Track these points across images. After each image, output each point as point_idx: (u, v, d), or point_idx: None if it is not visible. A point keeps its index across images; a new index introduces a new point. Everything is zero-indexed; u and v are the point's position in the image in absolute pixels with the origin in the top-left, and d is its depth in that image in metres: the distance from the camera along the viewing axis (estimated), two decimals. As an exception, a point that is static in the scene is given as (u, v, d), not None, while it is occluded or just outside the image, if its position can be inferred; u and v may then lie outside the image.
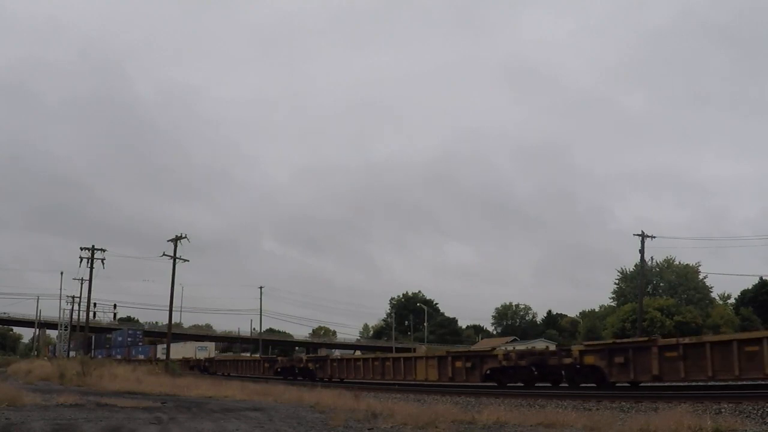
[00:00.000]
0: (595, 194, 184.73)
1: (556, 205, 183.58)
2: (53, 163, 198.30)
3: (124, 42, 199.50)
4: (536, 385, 22.14)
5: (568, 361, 20.58)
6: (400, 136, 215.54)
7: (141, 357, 70.89)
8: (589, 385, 19.94)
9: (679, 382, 17.78)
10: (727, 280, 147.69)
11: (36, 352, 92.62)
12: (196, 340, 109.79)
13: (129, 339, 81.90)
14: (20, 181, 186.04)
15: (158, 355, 66.76)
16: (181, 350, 66.17)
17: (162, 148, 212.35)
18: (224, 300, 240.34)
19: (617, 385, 19.18)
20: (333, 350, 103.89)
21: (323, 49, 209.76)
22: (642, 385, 19.63)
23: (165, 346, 67.51)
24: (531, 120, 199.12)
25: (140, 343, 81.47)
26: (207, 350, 70.17)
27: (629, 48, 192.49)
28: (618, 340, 23.07)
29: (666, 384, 18.83)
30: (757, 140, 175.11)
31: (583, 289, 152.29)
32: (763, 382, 16.62)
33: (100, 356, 73.78)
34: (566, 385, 21.15)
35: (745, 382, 16.65)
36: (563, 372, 21.27)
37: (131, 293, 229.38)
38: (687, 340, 17.54)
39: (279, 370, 39.42)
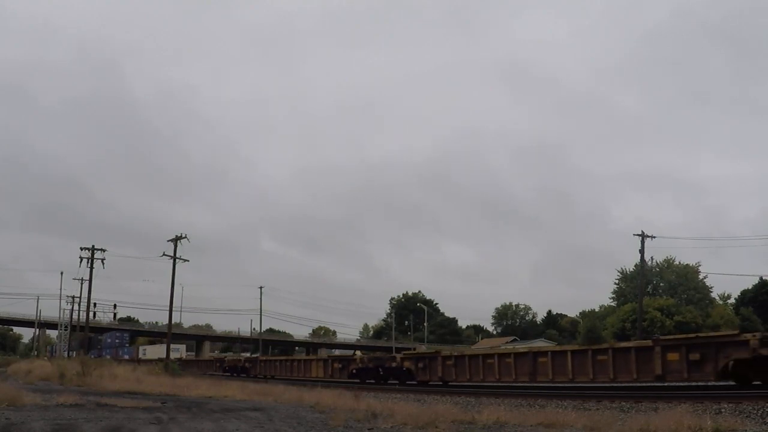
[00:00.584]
0: (594, 194, 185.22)
1: (554, 205, 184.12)
2: (52, 163, 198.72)
3: (123, 42, 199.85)
4: (388, 381, 29.41)
5: (395, 364, 28.97)
6: (398, 136, 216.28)
7: (126, 357, 76.04)
8: (410, 381, 27.34)
9: (465, 383, 24.82)
10: (727, 280, 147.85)
11: (36, 352, 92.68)
12: (196, 340, 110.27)
13: (117, 341, 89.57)
14: (19, 181, 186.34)
15: (139, 356, 73.53)
16: (156, 351, 72.88)
17: (161, 148, 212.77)
18: (224, 300, 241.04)
19: (419, 380, 26.96)
20: (333, 350, 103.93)
21: (321, 50, 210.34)
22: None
23: (144, 348, 79.90)
24: (529, 120, 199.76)
25: (126, 345, 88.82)
26: (179, 351, 75.25)
27: (626, 48, 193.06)
28: (418, 352, 33.72)
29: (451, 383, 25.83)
30: (755, 140, 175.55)
31: (581, 289, 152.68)
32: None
33: (93, 356, 75.67)
34: (396, 381, 28.39)
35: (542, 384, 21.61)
36: (394, 372, 29.10)
37: (131, 293, 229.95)
38: (457, 353, 26.88)
39: (227, 368, 48.85)
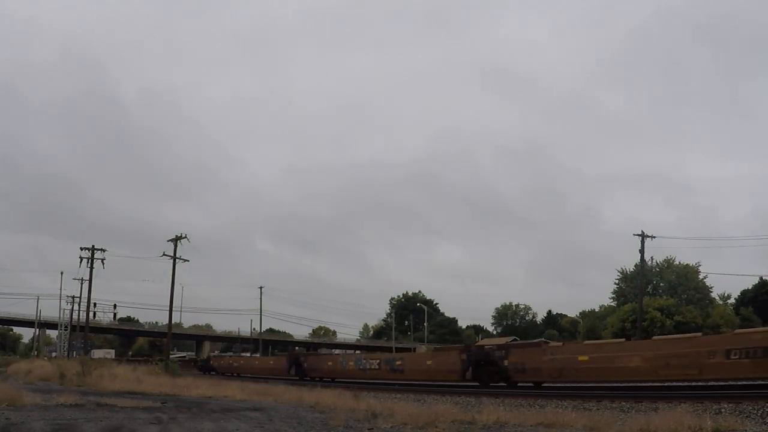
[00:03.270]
0: (584, 194, 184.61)
1: (545, 205, 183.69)
2: (44, 163, 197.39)
3: (109, 42, 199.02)
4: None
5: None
6: (386, 137, 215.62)
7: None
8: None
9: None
10: (726, 280, 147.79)
11: (36, 352, 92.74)
12: (196, 340, 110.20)
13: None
14: (12, 181, 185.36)
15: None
16: (98, 353, 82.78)
17: (150, 149, 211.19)
18: (223, 300, 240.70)
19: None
20: (333, 350, 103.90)
21: (306, 51, 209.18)
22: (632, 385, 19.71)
23: (93, 351, 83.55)
24: (516, 120, 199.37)
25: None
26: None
27: (610, 48, 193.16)
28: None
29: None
30: (745, 140, 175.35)
31: (576, 289, 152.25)
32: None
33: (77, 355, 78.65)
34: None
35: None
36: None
37: (131, 293, 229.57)
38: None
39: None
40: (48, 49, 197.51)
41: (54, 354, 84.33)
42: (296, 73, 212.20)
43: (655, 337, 21.86)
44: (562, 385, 22.93)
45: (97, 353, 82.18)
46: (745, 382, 17.57)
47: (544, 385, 23.86)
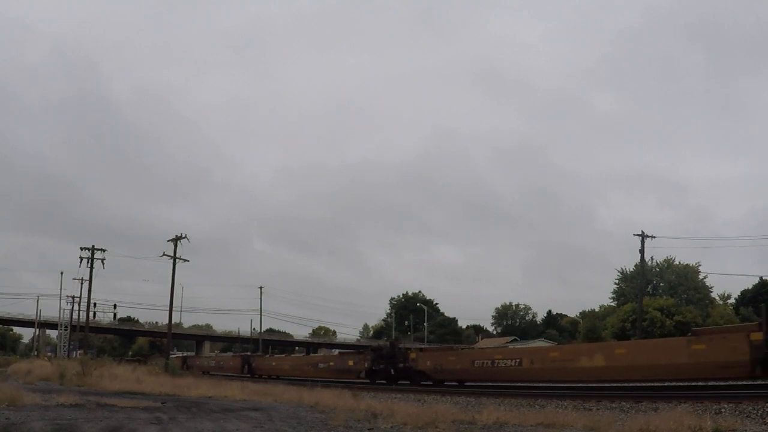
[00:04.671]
0: (579, 194, 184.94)
1: (540, 205, 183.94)
2: (41, 163, 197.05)
3: (103, 43, 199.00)
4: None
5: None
6: (379, 137, 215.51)
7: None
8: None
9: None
10: (726, 280, 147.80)
11: (36, 352, 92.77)
12: (196, 340, 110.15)
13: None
14: (9, 181, 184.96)
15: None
16: None
17: (145, 149, 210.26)
18: (222, 300, 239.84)
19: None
20: (333, 350, 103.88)
21: (298, 51, 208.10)
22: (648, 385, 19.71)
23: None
24: (509, 121, 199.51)
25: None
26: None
27: (601, 48, 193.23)
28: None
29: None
30: (738, 139, 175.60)
31: (573, 289, 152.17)
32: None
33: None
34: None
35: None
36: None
37: (131, 293, 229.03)
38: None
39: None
40: (41, 49, 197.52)
41: (50, 353, 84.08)
42: (290, 73, 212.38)
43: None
44: (562, 385, 22.97)
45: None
46: (744, 382, 17.54)
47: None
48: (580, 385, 21.78)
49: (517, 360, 24.48)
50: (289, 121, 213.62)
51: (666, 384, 20.09)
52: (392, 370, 31.63)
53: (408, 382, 30.30)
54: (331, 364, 38.82)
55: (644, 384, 20.43)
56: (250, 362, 49.47)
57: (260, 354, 71.25)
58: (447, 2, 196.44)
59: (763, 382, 16.96)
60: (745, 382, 17.32)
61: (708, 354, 18.04)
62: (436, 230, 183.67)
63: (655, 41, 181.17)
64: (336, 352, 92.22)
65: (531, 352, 26.92)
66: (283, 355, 66.33)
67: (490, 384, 25.23)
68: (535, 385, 24.29)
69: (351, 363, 35.84)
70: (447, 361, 28.62)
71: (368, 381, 32.16)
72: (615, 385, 20.30)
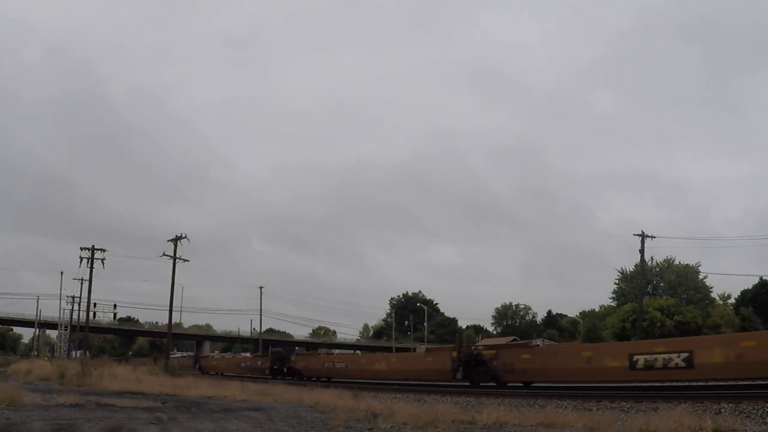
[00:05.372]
0: (576, 194, 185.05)
1: (538, 205, 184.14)
2: (39, 163, 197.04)
3: (102, 43, 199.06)
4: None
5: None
6: (376, 137, 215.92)
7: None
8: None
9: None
10: (726, 280, 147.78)
11: (36, 352, 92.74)
12: (196, 340, 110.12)
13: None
14: (8, 181, 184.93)
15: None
16: None
17: (146, 149, 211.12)
18: (222, 300, 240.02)
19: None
20: (332, 350, 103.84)
21: (295, 52, 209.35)
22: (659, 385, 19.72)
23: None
24: (506, 121, 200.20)
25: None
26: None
27: (598, 49, 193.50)
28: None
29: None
30: (736, 139, 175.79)
31: (572, 289, 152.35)
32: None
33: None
34: None
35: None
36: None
37: (130, 293, 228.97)
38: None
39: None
40: (40, 49, 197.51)
41: (48, 353, 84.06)
42: (288, 73, 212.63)
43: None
44: (560, 385, 22.92)
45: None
46: (744, 382, 17.56)
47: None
48: (580, 385, 21.77)
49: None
50: (288, 121, 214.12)
51: (666, 384, 20.07)
52: (285, 369, 40.99)
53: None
54: (248, 363, 51.67)
55: (644, 384, 20.38)
56: (199, 361, 62.14)
57: (205, 355, 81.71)
58: (445, 2, 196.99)
59: (763, 382, 16.97)
60: (727, 383, 18.26)
61: (433, 364, 28.57)
62: (435, 230, 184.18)
63: (654, 41, 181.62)
64: (330, 351, 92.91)
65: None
66: (221, 356, 79.28)
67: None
68: (536, 385, 24.25)
69: (259, 363, 48.35)
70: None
71: (270, 376, 41.24)
72: (615, 385, 20.29)
